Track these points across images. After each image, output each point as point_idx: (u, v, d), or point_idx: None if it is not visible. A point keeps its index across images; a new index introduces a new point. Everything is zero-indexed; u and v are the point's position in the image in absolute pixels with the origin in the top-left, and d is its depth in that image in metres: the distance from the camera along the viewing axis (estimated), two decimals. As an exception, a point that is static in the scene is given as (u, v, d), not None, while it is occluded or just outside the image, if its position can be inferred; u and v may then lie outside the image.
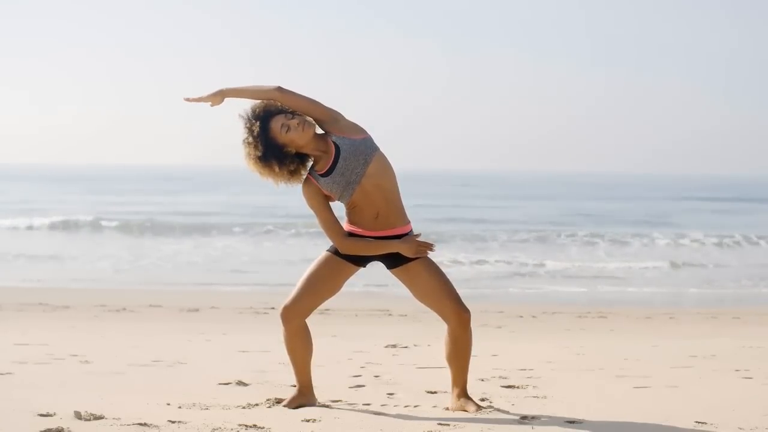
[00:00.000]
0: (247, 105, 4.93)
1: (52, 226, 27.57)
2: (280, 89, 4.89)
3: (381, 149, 4.93)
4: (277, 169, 4.87)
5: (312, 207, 4.93)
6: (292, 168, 4.90)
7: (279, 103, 4.90)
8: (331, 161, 4.86)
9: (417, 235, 4.93)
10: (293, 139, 4.85)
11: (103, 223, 29.07)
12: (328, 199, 4.95)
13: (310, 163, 4.95)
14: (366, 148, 4.87)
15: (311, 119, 4.91)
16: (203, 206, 41.74)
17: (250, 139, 4.86)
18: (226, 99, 4.95)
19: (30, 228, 27.12)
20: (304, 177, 4.94)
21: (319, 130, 4.94)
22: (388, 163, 4.94)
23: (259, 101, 4.91)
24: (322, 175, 4.88)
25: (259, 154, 4.85)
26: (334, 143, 4.87)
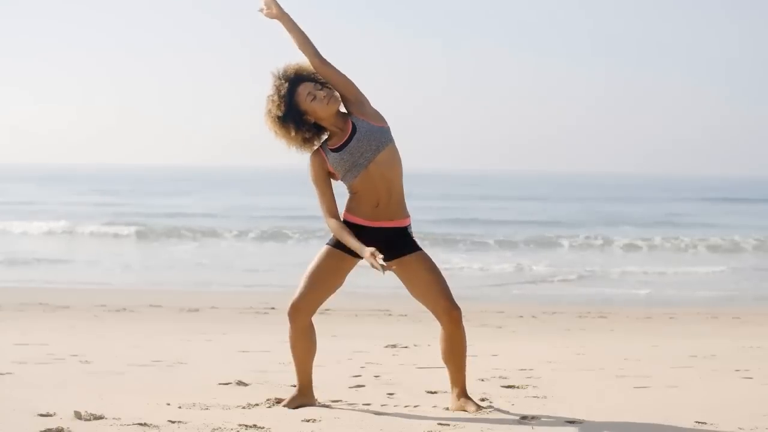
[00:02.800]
0: (280, 62, 4.94)
1: (52, 228, 27.53)
2: (321, 59, 4.92)
3: (395, 144, 4.95)
4: (293, 133, 4.91)
5: (314, 178, 4.97)
6: (307, 136, 4.95)
7: (313, 71, 4.92)
8: (345, 139, 4.89)
9: (381, 259, 4.84)
10: (316, 109, 4.89)
11: (103, 223, 29.07)
12: (331, 176, 4.97)
13: (324, 136, 4.99)
14: (381, 137, 4.91)
15: (338, 95, 4.93)
16: (203, 207, 41.74)
17: (275, 98, 4.89)
18: (276, 21, 4.93)
19: (27, 232, 27.07)
20: (316, 148, 4.97)
21: (343, 109, 4.97)
22: (399, 158, 4.97)
23: (294, 63, 4.92)
24: (333, 150, 4.92)
25: (280, 114, 4.89)
26: (353, 123, 4.91)
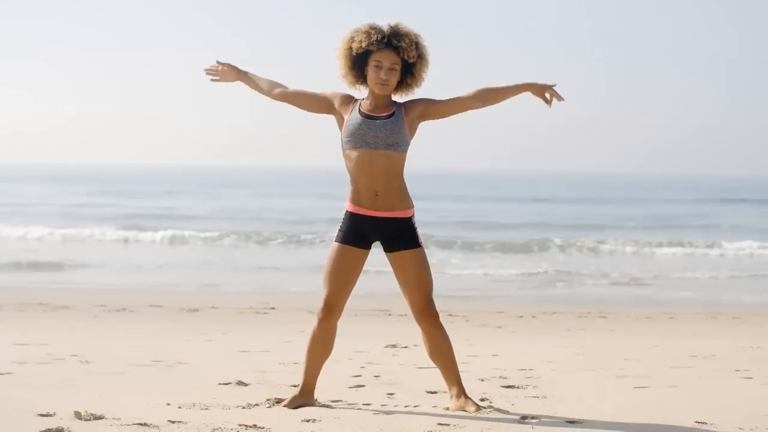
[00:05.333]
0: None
1: (51, 229, 27.50)
2: (474, 101, 5.03)
3: (405, 155, 4.99)
4: (347, 66, 5.00)
5: (329, 92, 5.06)
6: (353, 79, 5.02)
7: (414, 56, 4.93)
8: (377, 114, 4.96)
9: None
10: (368, 75, 4.96)
11: (104, 224, 29.08)
12: (338, 119, 5.03)
13: (365, 93, 5.03)
14: (401, 141, 4.94)
15: (392, 89, 4.96)
16: (203, 208, 41.73)
17: (364, 39, 4.92)
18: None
19: (27, 234, 27.04)
20: (356, 96, 5.06)
21: (400, 98, 5.03)
22: (402, 163, 4.98)
23: (414, 35, 4.93)
24: (360, 113, 4.98)
25: (353, 50, 4.94)
26: (395, 112, 4.97)
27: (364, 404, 5.21)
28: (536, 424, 4.76)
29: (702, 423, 4.81)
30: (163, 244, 24.68)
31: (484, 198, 54.47)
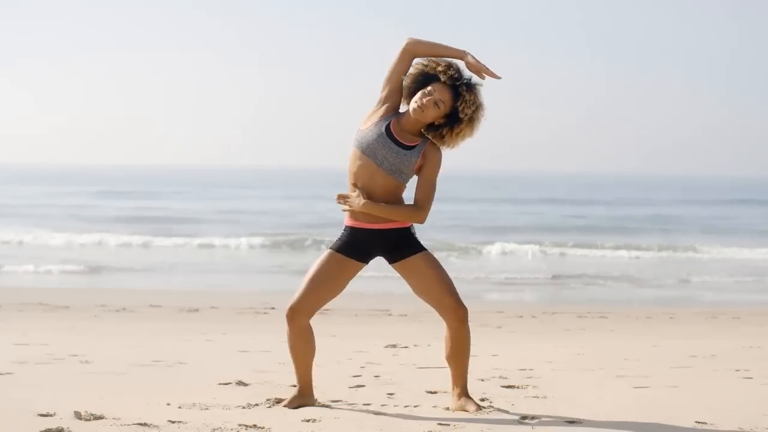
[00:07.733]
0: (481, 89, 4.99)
1: (53, 231, 27.50)
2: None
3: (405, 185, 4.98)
4: (412, 78, 4.94)
5: (397, 84, 5.01)
6: (404, 89, 4.97)
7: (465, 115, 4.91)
8: (400, 138, 4.91)
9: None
10: (417, 97, 4.88)
11: (102, 225, 29.08)
12: (379, 107, 4.98)
13: (402, 110, 4.99)
14: (405, 173, 4.91)
15: (423, 125, 4.93)
16: (203, 208, 41.73)
17: (443, 67, 4.88)
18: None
19: (28, 236, 27.03)
20: (394, 111, 4.99)
21: (430, 138, 4.97)
22: (402, 189, 4.96)
23: (478, 104, 4.92)
24: (387, 127, 4.92)
25: (426, 68, 4.91)
26: (418, 146, 4.92)
27: (364, 404, 5.21)
28: (536, 424, 4.76)
29: (702, 423, 4.81)
30: (165, 245, 24.65)
31: (484, 199, 54.44)
